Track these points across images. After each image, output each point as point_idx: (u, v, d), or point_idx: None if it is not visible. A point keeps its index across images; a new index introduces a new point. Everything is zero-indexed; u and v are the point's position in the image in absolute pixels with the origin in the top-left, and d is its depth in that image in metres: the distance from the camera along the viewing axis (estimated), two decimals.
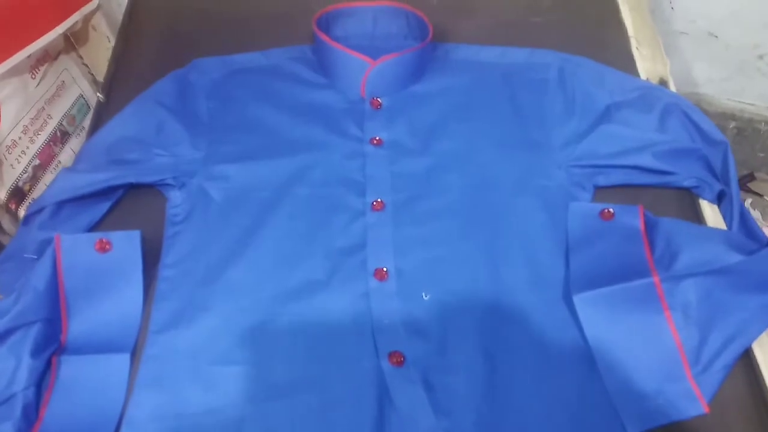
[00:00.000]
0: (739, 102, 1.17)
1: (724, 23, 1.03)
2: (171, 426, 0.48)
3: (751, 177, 1.26)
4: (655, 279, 0.49)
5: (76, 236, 0.54)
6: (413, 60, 0.66)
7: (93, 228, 0.60)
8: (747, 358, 0.51)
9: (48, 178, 0.79)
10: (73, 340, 0.52)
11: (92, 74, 0.88)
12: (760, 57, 1.06)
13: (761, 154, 1.24)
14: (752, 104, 1.17)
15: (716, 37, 1.05)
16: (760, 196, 1.23)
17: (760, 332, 0.50)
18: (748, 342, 0.50)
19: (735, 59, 1.08)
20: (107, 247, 0.53)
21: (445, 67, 0.69)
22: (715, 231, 0.55)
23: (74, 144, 0.84)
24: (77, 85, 0.85)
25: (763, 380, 0.50)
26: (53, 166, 0.81)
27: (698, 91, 1.16)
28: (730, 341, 0.49)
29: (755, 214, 1.21)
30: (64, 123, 0.82)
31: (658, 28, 1.03)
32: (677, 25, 1.06)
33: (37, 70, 0.75)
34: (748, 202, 1.24)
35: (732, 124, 1.21)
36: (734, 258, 0.49)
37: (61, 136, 0.81)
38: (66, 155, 0.83)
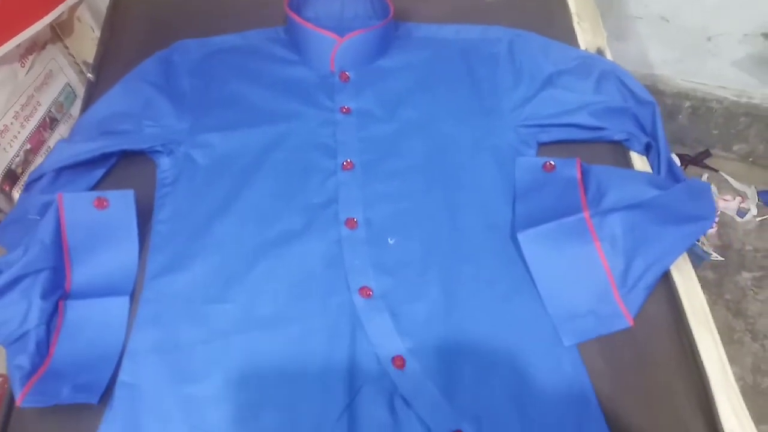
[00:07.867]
0: (693, 82, 1.22)
1: (674, 7, 1.07)
2: (167, 357, 0.54)
3: (707, 153, 1.31)
4: (586, 214, 0.56)
5: (77, 194, 0.59)
6: (378, 36, 0.72)
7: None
8: (666, 280, 0.59)
9: (39, 161, 0.82)
10: (77, 286, 0.57)
11: (78, 64, 0.91)
12: (709, 39, 1.10)
13: (715, 132, 1.28)
14: (704, 84, 1.21)
15: (668, 21, 1.10)
16: (716, 171, 1.29)
17: (676, 258, 0.57)
18: (666, 266, 0.57)
19: (686, 41, 1.13)
20: (105, 204, 0.59)
21: (408, 44, 0.76)
22: (639, 173, 0.62)
23: (63, 130, 0.87)
24: (64, 73, 0.88)
25: (680, 298, 0.58)
26: (43, 150, 0.84)
27: (654, 72, 1.21)
28: (651, 266, 0.56)
29: (713, 188, 1.24)
30: (52, 110, 0.85)
31: (615, 12, 1.07)
32: (632, 10, 1.11)
33: (26, 59, 0.78)
34: (704, 177, 1.29)
35: (687, 104, 1.25)
36: (653, 193, 0.56)
37: (50, 122, 0.85)
38: (55, 141, 0.84)
